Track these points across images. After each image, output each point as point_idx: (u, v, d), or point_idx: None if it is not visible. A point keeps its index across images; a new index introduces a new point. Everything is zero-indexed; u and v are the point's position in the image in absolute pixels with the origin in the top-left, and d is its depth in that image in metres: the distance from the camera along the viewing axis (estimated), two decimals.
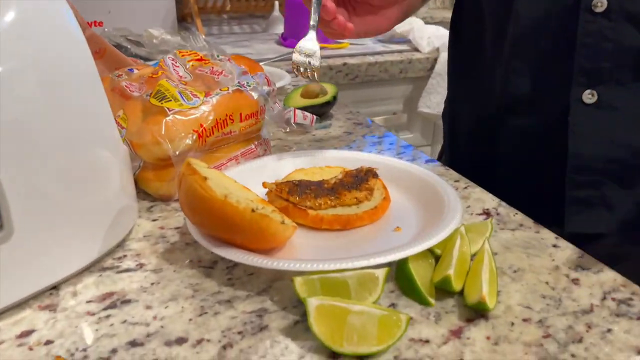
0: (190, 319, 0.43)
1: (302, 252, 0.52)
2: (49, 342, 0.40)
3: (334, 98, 0.91)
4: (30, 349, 0.39)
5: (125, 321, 0.42)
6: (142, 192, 0.63)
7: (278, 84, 1.03)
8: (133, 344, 0.40)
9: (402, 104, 1.59)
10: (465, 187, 0.67)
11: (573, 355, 0.39)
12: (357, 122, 0.92)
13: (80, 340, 0.40)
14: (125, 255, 0.51)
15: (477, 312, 0.43)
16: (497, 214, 0.60)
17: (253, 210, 0.45)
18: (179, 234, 0.55)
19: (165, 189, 0.60)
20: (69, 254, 0.47)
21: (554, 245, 0.53)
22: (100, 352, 0.39)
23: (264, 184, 0.58)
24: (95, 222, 0.49)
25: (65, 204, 0.46)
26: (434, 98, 1.52)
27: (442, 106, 1.58)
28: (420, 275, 0.46)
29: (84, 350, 0.39)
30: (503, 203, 0.62)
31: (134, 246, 0.53)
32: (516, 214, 0.60)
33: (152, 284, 0.47)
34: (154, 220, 0.58)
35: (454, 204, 0.54)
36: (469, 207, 0.62)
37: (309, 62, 0.65)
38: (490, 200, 0.63)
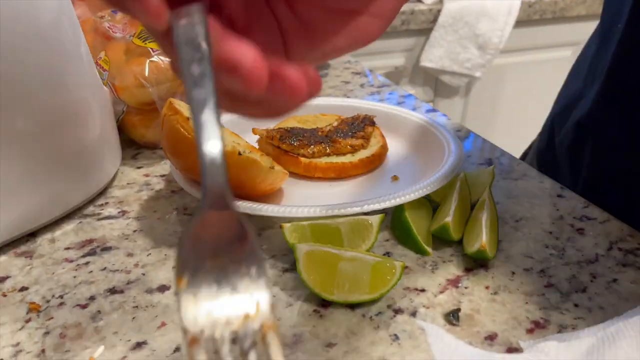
0: (174, 267, 0.40)
1: (294, 200, 0.49)
2: (23, 289, 0.38)
3: None
4: (4, 295, 0.37)
5: (104, 268, 0.40)
6: (127, 140, 0.60)
7: None
8: (112, 291, 0.38)
9: (404, 57, 1.53)
10: (467, 137, 0.64)
11: (576, 305, 0.37)
12: (355, 71, 0.88)
13: (56, 287, 0.38)
14: (107, 202, 0.49)
15: (476, 262, 0.41)
16: (500, 163, 0.57)
17: (240, 154, 0.42)
18: (165, 181, 0.52)
19: (150, 135, 0.57)
20: (46, 200, 0.44)
21: (559, 195, 0.51)
22: (78, 299, 0.37)
23: (254, 130, 0.55)
24: (75, 168, 0.46)
25: (42, 148, 0.43)
26: (437, 51, 1.46)
27: (445, 60, 1.53)
28: (417, 224, 0.43)
29: (61, 297, 0.37)
30: (506, 152, 0.59)
31: (117, 193, 0.50)
32: (519, 163, 0.57)
33: (135, 231, 0.45)
34: (138, 167, 0.55)
35: (454, 150, 0.51)
36: (470, 156, 0.59)
37: None
38: (492, 150, 0.60)
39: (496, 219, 0.44)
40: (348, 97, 0.76)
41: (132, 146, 0.59)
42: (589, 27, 0.75)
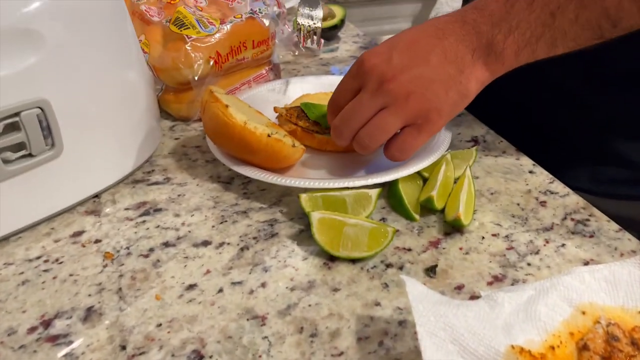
0: (213, 226, 0.51)
1: (309, 171, 0.59)
2: (97, 241, 0.49)
3: (342, 21, 0.94)
4: (83, 245, 0.48)
5: (158, 226, 0.51)
6: (164, 113, 0.69)
7: (287, 5, 1.05)
8: (166, 244, 0.49)
9: (411, 22, 1.59)
10: (459, 115, 0.72)
11: (529, 264, 0.47)
12: (363, 45, 0.95)
13: (122, 240, 0.49)
14: (153, 170, 0.59)
15: (454, 228, 0.51)
16: (484, 141, 0.66)
17: (269, 135, 0.51)
18: (200, 152, 0.62)
19: (185, 111, 0.67)
20: (108, 167, 0.54)
21: (530, 172, 0.60)
22: (140, 250, 0.48)
23: (275, 109, 0.64)
24: (128, 139, 0.56)
25: (102, 123, 0.53)
26: None
27: None
28: (408, 194, 0.53)
29: (127, 248, 0.48)
30: (491, 131, 0.68)
31: (161, 162, 0.60)
32: (501, 141, 0.66)
33: (179, 195, 0.55)
34: (176, 138, 0.65)
35: (443, 133, 0.60)
36: (459, 134, 0.68)
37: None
38: (479, 128, 0.69)
39: (474, 193, 0.54)
40: None
41: (168, 118, 0.69)
42: None
